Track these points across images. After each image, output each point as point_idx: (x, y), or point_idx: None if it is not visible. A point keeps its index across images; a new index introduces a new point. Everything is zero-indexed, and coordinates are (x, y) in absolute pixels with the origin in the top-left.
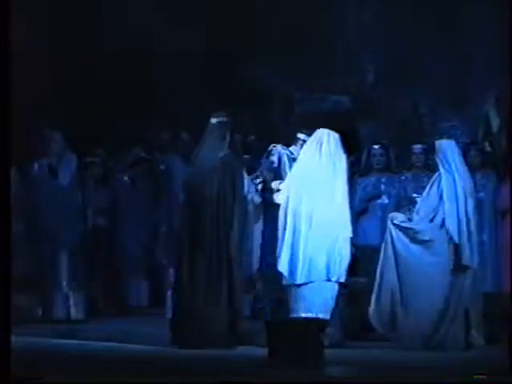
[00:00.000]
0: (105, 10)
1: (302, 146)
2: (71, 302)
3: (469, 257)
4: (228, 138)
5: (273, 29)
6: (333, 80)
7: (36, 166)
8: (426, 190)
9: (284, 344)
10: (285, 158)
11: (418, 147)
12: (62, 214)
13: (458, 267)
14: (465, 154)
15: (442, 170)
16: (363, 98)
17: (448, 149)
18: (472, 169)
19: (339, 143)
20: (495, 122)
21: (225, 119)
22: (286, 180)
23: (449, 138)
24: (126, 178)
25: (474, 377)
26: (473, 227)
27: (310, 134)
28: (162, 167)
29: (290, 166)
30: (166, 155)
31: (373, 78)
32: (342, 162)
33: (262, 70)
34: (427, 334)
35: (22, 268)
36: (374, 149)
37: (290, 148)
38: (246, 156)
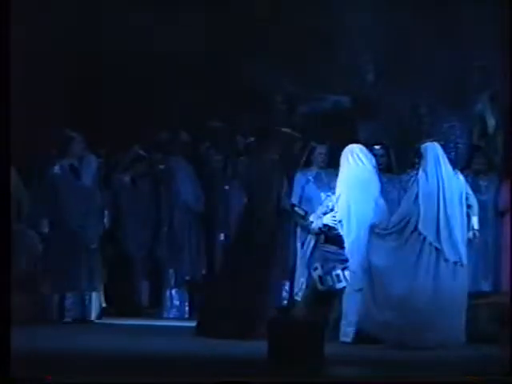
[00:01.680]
0: (104, 9)
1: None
2: (89, 301)
3: (450, 253)
4: None
5: (273, 29)
6: (333, 80)
7: (58, 166)
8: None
9: (284, 344)
10: None
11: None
12: (85, 214)
13: (440, 265)
14: (468, 157)
15: (420, 172)
16: (363, 99)
17: (431, 152)
18: (475, 172)
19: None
20: (491, 122)
21: None
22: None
23: (438, 140)
24: (126, 178)
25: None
26: (456, 224)
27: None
28: (162, 167)
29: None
30: (166, 155)
31: (373, 78)
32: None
33: (262, 70)
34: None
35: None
36: (375, 149)
37: None
38: (241, 158)
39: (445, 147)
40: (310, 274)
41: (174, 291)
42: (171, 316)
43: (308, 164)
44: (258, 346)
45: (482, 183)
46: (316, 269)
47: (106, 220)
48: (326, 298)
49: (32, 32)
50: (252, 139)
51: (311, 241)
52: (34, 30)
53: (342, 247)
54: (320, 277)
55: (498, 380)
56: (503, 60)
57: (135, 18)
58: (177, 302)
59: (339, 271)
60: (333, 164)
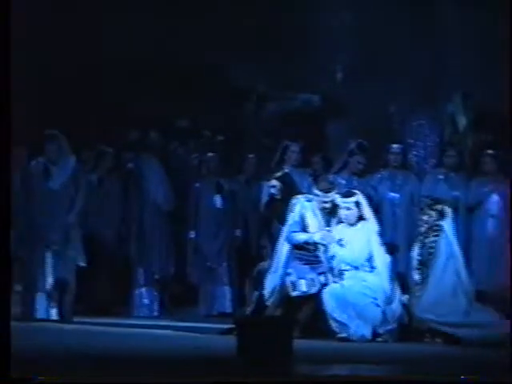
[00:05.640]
0: (75, 9)
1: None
2: (53, 302)
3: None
4: None
5: (245, 28)
6: (303, 79)
7: (33, 164)
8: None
9: (253, 342)
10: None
11: (396, 147)
12: (51, 215)
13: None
14: (441, 154)
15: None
16: (333, 97)
17: None
18: (448, 169)
19: None
20: (461, 121)
21: None
22: None
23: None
24: (93, 177)
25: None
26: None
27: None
28: (131, 165)
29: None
30: (136, 154)
31: (343, 77)
32: None
33: (234, 69)
34: None
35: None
36: (353, 148)
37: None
38: (211, 154)
39: (414, 146)
40: (283, 279)
41: (143, 290)
42: (141, 315)
43: (281, 162)
44: (228, 345)
45: (453, 180)
46: (289, 274)
47: (73, 220)
48: (297, 303)
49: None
50: (222, 138)
51: (284, 244)
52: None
53: (317, 251)
54: (293, 282)
55: (497, 380)
56: (475, 60)
57: (106, 18)
58: (146, 301)
59: (313, 275)
60: (305, 163)
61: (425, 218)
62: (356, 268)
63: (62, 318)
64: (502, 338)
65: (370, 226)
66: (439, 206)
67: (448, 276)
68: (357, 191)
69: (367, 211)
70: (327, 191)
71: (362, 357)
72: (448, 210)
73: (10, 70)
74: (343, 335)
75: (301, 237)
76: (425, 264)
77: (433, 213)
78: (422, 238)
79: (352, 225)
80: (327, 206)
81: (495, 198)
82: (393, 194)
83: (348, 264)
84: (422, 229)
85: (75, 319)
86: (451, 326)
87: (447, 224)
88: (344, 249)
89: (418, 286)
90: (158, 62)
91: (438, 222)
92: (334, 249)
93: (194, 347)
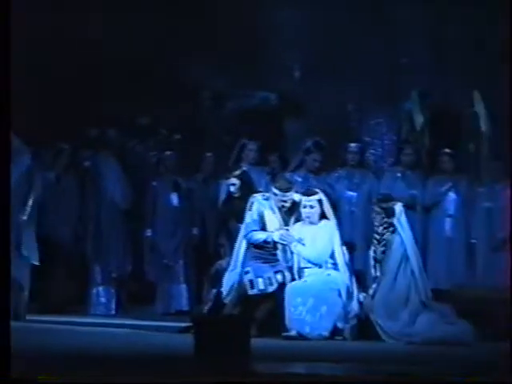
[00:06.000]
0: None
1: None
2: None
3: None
4: None
5: (202, 26)
6: (261, 77)
7: None
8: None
9: (211, 340)
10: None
11: (353, 145)
12: None
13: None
14: (398, 152)
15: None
16: (291, 96)
17: None
18: (406, 167)
19: None
20: (418, 120)
21: None
22: None
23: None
24: (51, 174)
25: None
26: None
27: None
28: (89, 163)
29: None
30: (94, 152)
31: (300, 75)
32: None
33: (191, 66)
34: None
35: None
36: (310, 146)
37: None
38: (168, 152)
39: (372, 144)
40: (241, 278)
41: (100, 288)
42: (98, 313)
43: (239, 161)
44: (185, 343)
45: (410, 178)
46: (247, 273)
47: (26, 218)
48: (255, 301)
49: None
50: (180, 136)
51: (243, 242)
52: None
53: (274, 250)
54: (251, 281)
55: (498, 380)
56: (431, 58)
57: (62, 17)
58: (103, 299)
59: (271, 274)
60: (263, 161)
61: (374, 215)
62: (319, 266)
63: (16, 316)
64: (462, 336)
65: (332, 224)
66: (389, 204)
67: (402, 276)
68: (318, 189)
69: (328, 209)
70: (286, 190)
71: (320, 355)
72: (399, 208)
73: None
74: (294, 333)
75: (260, 236)
76: (380, 262)
77: (382, 210)
78: (376, 235)
79: (314, 223)
80: (286, 204)
81: (452, 197)
82: (350, 193)
83: (311, 262)
84: (375, 227)
85: (30, 318)
86: (393, 332)
87: (399, 222)
88: (306, 247)
89: (373, 284)
90: (117, 60)
91: (388, 220)
92: (296, 248)
93: (152, 345)
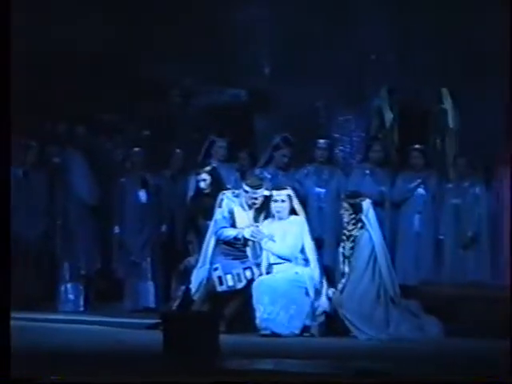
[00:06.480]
0: None
1: None
2: None
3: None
4: None
5: (172, 25)
6: (231, 74)
7: None
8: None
9: (179, 336)
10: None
11: (322, 142)
12: None
13: None
14: (367, 149)
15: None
16: (260, 92)
17: None
18: (374, 164)
19: None
20: (387, 116)
21: None
22: None
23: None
24: (18, 170)
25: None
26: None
27: None
28: (57, 159)
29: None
30: (62, 148)
31: (270, 72)
32: None
33: (160, 63)
34: None
35: None
36: (279, 142)
37: None
38: (136, 149)
39: (340, 140)
40: (209, 274)
41: (69, 285)
42: (66, 310)
43: (208, 157)
44: (154, 340)
45: (379, 175)
46: (216, 269)
47: None
48: (224, 298)
49: None
50: (148, 132)
51: (211, 239)
52: None
53: (244, 246)
54: (219, 277)
55: (498, 380)
56: (399, 55)
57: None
58: (72, 296)
59: (240, 270)
60: (232, 158)
61: (342, 211)
62: (289, 261)
63: None
64: (429, 333)
65: (302, 219)
66: (357, 200)
67: (370, 272)
68: (286, 186)
69: (298, 205)
70: (257, 187)
71: (289, 352)
72: (367, 204)
73: None
74: (267, 331)
75: (230, 232)
76: (348, 258)
77: (350, 207)
78: (345, 232)
79: (283, 218)
80: (257, 202)
81: (422, 193)
82: (319, 189)
83: (281, 258)
84: (344, 223)
85: None
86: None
87: (367, 218)
88: (277, 243)
89: (342, 279)
90: (86, 57)
91: (356, 216)
92: (267, 244)
93: (120, 342)
